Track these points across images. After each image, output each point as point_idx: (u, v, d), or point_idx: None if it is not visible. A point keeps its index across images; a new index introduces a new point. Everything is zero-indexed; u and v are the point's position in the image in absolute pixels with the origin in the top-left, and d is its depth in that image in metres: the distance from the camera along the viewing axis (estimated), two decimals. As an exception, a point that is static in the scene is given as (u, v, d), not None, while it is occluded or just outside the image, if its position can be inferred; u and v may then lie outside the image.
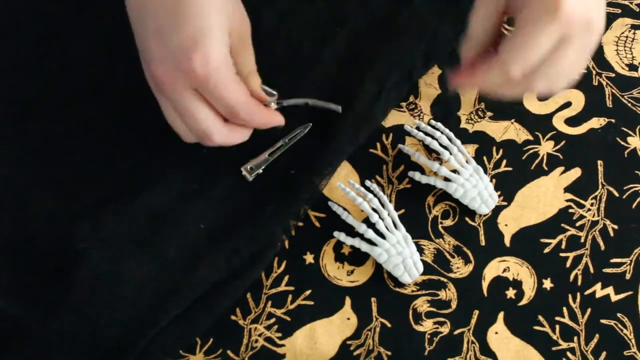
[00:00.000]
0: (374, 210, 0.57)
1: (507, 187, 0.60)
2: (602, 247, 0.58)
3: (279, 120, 0.54)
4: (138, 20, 0.48)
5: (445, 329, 0.55)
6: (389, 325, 0.55)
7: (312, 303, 0.56)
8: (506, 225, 0.59)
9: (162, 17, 0.46)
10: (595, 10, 0.45)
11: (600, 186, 0.60)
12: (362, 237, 0.57)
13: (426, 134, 0.59)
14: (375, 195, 0.57)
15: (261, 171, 0.58)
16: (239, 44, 0.49)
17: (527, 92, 0.49)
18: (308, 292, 0.56)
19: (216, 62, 0.45)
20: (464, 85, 0.51)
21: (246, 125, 0.52)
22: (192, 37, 0.45)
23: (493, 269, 0.57)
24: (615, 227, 0.59)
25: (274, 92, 0.54)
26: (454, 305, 0.56)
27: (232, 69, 0.48)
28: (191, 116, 0.48)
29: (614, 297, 0.56)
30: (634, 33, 0.66)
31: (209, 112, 0.48)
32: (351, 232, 0.57)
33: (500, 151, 0.61)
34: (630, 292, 0.57)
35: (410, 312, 0.56)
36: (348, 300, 0.56)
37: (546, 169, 0.60)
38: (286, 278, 0.57)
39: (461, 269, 0.57)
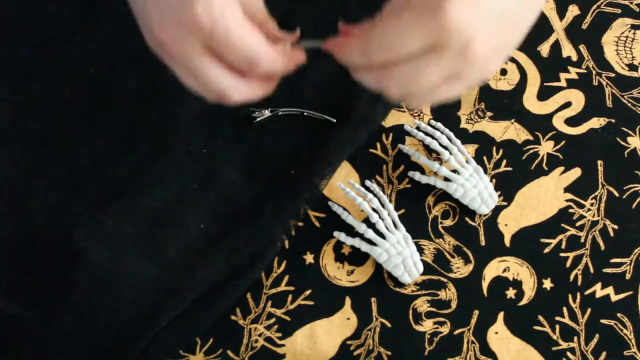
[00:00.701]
0: (374, 210, 0.57)
1: (507, 187, 0.60)
2: (602, 247, 0.58)
3: (302, 57, 0.47)
4: None
5: (445, 329, 0.55)
6: (389, 325, 0.55)
7: (312, 303, 0.56)
8: (506, 225, 0.59)
9: None
10: (483, 43, 0.39)
11: (600, 186, 0.60)
12: (362, 237, 0.57)
13: (426, 134, 0.59)
14: (375, 195, 0.57)
15: (267, 113, 0.57)
16: None
17: (381, 88, 0.42)
18: (308, 292, 0.56)
19: (220, 7, 0.41)
20: (333, 53, 0.44)
21: (269, 73, 0.46)
22: None
23: (493, 269, 0.57)
24: (615, 227, 0.59)
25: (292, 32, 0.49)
26: (454, 305, 0.56)
27: (241, 13, 0.43)
28: (205, 76, 0.43)
29: (614, 297, 0.56)
30: (634, 33, 0.65)
31: (221, 70, 0.43)
32: (351, 232, 0.57)
33: (500, 151, 0.61)
34: (630, 292, 0.57)
35: (410, 312, 0.56)
36: (348, 300, 0.56)
37: (546, 169, 0.60)
38: (286, 278, 0.57)
39: (461, 269, 0.57)
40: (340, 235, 0.57)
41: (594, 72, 0.64)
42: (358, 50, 0.42)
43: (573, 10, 0.66)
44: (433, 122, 0.60)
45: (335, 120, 0.59)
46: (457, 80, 0.41)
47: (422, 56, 0.39)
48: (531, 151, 0.61)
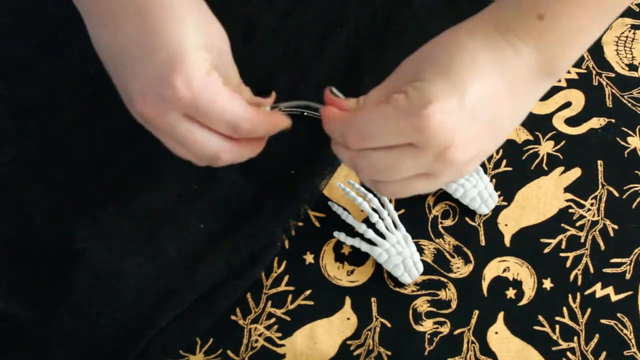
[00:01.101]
0: (374, 210, 0.57)
1: (507, 187, 0.60)
2: (602, 247, 0.58)
3: (285, 121, 0.48)
4: (110, 62, 0.44)
5: (445, 329, 0.55)
6: (389, 325, 0.55)
7: (312, 303, 0.56)
8: (506, 225, 0.59)
9: (132, 50, 0.42)
10: (463, 150, 0.38)
11: (600, 186, 0.60)
12: (362, 237, 0.57)
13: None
14: (375, 195, 0.57)
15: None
16: (218, 60, 0.45)
17: (354, 169, 0.42)
18: (308, 292, 0.56)
19: (200, 80, 0.41)
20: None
21: (253, 135, 0.47)
22: (168, 62, 0.41)
23: (493, 269, 0.57)
24: (615, 227, 0.59)
25: (268, 97, 0.52)
26: (454, 305, 0.56)
27: (221, 81, 0.44)
28: (192, 143, 0.44)
29: (614, 297, 0.56)
30: (634, 33, 0.66)
31: (208, 134, 0.44)
32: (351, 232, 0.57)
33: (500, 151, 0.61)
34: (630, 292, 0.57)
35: (410, 312, 0.56)
36: (348, 300, 0.56)
37: (546, 169, 0.60)
38: (286, 278, 0.57)
39: (461, 269, 0.57)
40: (340, 235, 0.57)
41: (594, 72, 0.64)
42: (336, 130, 0.41)
43: (573, 10, 0.66)
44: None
45: None
46: (432, 177, 0.40)
47: (398, 149, 0.39)
48: (531, 151, 0.61)
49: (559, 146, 0.61)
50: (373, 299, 0.56)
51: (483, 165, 0.60)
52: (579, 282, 0.57)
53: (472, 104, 0.38)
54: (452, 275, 0.57)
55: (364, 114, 0.40)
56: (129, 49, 0.42)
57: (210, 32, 0.45)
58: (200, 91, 0.41)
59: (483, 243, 0.58)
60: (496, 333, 0.55)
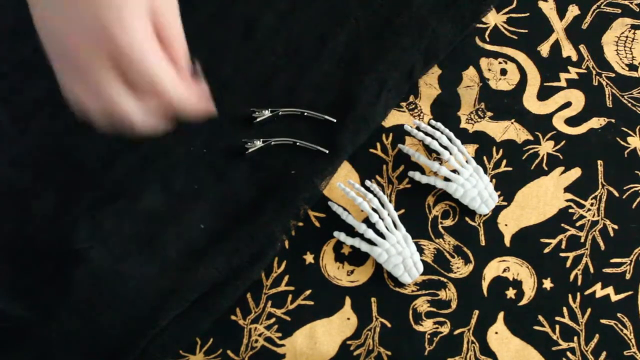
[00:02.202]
0: (374, 210, 0.57)
1: (507, 187, 0.60)
2: (602, 247, 0.58)
3: (209, 102, 0.46)
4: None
5: (445, 329, 0.55)
6: (389, 325, 0.55)
7: (312, 303, 0.56)
8: (506, 225, 0.59)
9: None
10: None
11: (600, 186, 0.60)
12: (362, 237, 0.57)
13: (426, 134, 0.59)
14: (375, 195, 0.57)
15: (267, 113, 0.57)
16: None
17: None
18: (308, 292, 0.56)
19: (131, 21, 0.40)
20: None
21: (170, 102, 0.44)
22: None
23: (493, 269, 0.57)
24: (615, 227, 0.59)
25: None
26: (454, 305, 0.56)
27: (150, 31, 0.42)
28: (105, 94, 0.42)
29: (614, 297, 0.56)
30: (634, 33, 0.66)
31: (123, 89, 0.42)
32: (351, 232, 0.57)
33: (500, 151, 0.61)
34: (630, 292, 0.57)
35: (410, 312, 0.56)
36: (348, 300, 0.56)
37: (546, 169, 0.60)
38: (286, 278, 0.57)
39: (461, 269, 0.57)
40: (340, 235, 0.57)
41: (594, 72, 0.64)
42: None
43: (573, 10, 0.66)
44: (433, 122, 0.60)
45: (335, 120, 0.59)
46: None
47: None
48: (531, 151, 0.61)
49: (559, 146, 0.61)
50: (373, 299, 0.56)
51: (483, 165, 0.60)
52: (579, 282, 0.57)
53: None
54: (452, 275, 0.57)
55: None
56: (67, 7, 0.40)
57: None
58: (128, 33, 0.40)
59: (483, 243, 0.58)
60: (496, 333, 0.55)
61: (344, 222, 0.57)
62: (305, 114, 0.59)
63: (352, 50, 0.63)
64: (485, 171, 0.60)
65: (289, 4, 0.64)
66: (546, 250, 0.58)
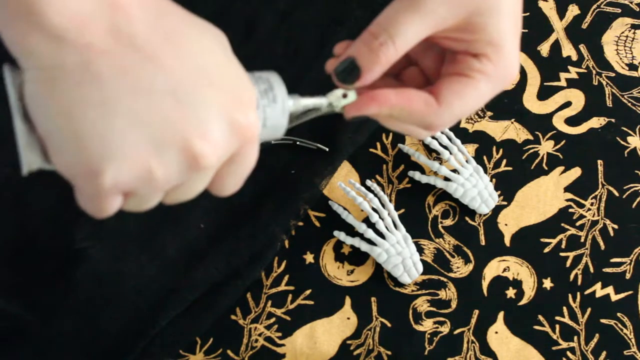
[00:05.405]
0: (374, 209, 0.57)
1: (507, 186, 0.60)
2: (602, 247, 0.58)
3: None
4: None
5: (445, 329, 0.55)
6: (389, 325, 0.55)
7: (312, 303, 0.56)
8: (506, 224, 0.59)
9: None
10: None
11: (600, 186, 0.60)
12: (362, 236, 0.57)
13: (426, 133, 0.59)
14: (375, 195, 0.57)
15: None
16: None
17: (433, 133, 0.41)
18: (308, 292, 0.56)
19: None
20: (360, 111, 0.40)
21: None
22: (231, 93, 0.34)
23: (493, 269, 0.57)
24: (615, 226, 0.59)
25: None
26: (454, 305, 0.56)
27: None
28: (102, 209, 0.36)
29: (614, 297, 0.56)
30: (634, 33, 0.66)
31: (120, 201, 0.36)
32: (351, 231, 0.57)
33: (500, 151, 0.61)
34: (630, 292, 0.56)
35: (410, 311, 0.56)
36: (348, 300, 0.56)
37: (546, 168, 0.60)
38: (286, 278, 0.57)
39: (461, 268, 0.57)
40: (340, 235, 0.57)
41: (594, 71, 0.64)
42: (420, 122, 0.39)
43: (573, 10, 0.66)
44: (433, 121, 0.60)
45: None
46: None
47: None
48: (531, 151, 0.61)
49: (559, 146, 0.61)
50: (373, 299, 0.56)
51: (483, 165, 0.60)
52: (579, 282, 0.57)
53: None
54: (452, 275, 0.57)
55: (459, 101, 0.38)
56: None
57: None
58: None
59: (483, 243, 0.58)
60: (496, 333, 0.55)
61: (344, 221, 0.57)
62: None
63: (352, 50, 0.63)
64: (485, 171, 0.60)
65: (289, 4, 0.64)
66: (546, 250, 0.58)
